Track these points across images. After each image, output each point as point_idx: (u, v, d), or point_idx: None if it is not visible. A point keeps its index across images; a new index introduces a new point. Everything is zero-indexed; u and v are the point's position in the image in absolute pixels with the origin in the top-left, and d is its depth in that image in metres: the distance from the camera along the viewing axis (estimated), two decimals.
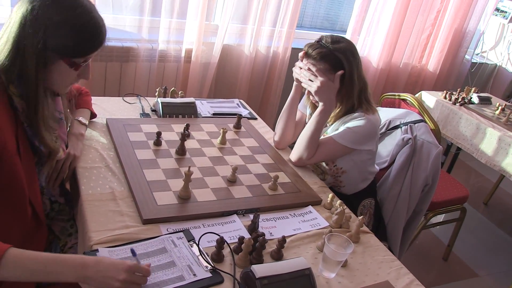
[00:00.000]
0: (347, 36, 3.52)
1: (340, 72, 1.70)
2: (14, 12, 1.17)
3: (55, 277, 1.05)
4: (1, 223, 1.21)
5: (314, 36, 1.77)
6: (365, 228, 1.54)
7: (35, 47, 1.14)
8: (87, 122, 1.68)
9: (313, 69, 1.70)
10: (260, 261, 1.25)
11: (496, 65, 4.62)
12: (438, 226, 3.13)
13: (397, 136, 2.10)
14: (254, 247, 1.24)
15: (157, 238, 1.25)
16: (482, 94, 3.36)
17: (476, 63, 4.45)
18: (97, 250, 1.16)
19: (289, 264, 1.19)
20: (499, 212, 3.75)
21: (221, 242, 1.21)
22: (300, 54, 1.77)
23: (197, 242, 1.25)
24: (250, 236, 1.31)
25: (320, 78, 1.69)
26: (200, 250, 1.22)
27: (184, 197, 1.42)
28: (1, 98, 1.17)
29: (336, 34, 1.76)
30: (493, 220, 3.58)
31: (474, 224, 3.46)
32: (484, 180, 4.21)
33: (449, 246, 2.96)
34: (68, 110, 1.55)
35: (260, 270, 1.12)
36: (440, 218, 3.07)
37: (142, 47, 2.76)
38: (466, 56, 4.26)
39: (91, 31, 1.21)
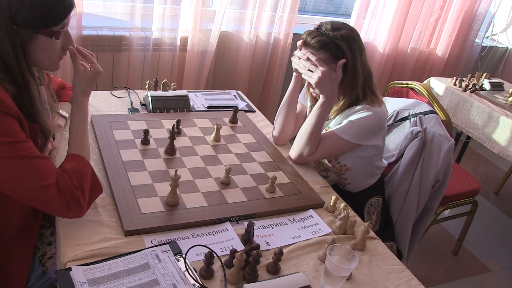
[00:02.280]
0: (352, 20, 3.35)
1: (342, 61, 1.55)
2: None
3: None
4: (6, 203, 1.16)
5: (316, 21, 1.63)
6: (371, 234, 1.40)
7: (4, 30, 1.07)
8: (67, 115, 1.59)
9: (313, 58, 1.56)
10: (254, 276, 1.12)
11: (507, 48, 4.43)
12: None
13: (405, 129, 1.96)
14: (248, 261, 1.12)
15: (139, 252, 1.12)
16: (493, 80, 3.19)
17: (486, 46, 4.27)
18: (70, 269, 1.03)
19: (286, 281, 1.06)
20: (511, 202, 3.60)
21: (210, 257, 1.08)
22: (299, 42, 1.62)
23: (184, 256, 1.12)
24: (243, 248, 1.18)
25: (321, 68, 1.55)
26: (187, 266, 1.10)
27: (172, 203, 1.29)
28: None
29: (337, 20, 1.61)
30: (504, 211, 3.44)
31: (485, 215, 3.32)
32: (495, 168, 4.06)
33: (459, 240, 2.83)
34: (54, 96, 1.49)
35: None
36: (450, 211, 2.93)
37: (135, 36, 2.62)
38: (476, 40, 4.08)
39: None
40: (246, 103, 2.09)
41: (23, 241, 1.28)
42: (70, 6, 1.16)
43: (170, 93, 1.89)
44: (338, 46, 1.55)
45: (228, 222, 1.30)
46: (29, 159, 1.06)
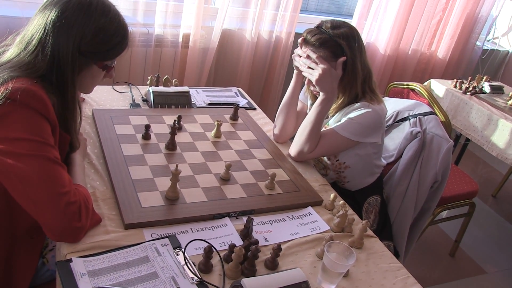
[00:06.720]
0: (354, 20, 3.36)
1: (342, 59, 1.56)
2: (41, 17, 1.12)
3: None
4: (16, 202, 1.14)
5: (319, 20, 1.64)
6: (369, 232, 1.41)
7: (70, 55, 1.12)
8: None
9: (313, 56, 1.57)
10: (252, 271, 1.13)
11: (508, 51, 4.44)
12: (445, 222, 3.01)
13: (405, 129, 1.97)
14: (246, 256, 1.13)
15: (139, 245, 1.13)
16: (494, 83, 3.21)
17: (487, 49, 4.27)
18: (70, 260, 1.04)
19: (283, 277, 1.07)
20: (508, 205, 3.61)
21: (209, 251, 1.09)
22: (299, 40, 1.63)
23: (183, 250, 1.13)
24: (242, 243, 1.19)
25: (321, 66, 1.56)
26: (186, 259, 1.11)
27: (172, 198, 1.30)
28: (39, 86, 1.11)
29: (337, 19, 1.62)
30: (501, 214, 3.45)
31: (482, 217, 3.33)
32: (493, 171, 4.07)
33: (456, 241, 2.84)
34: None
35: (250, 284, 1.01)
36: (447, 212, 2.95)
37: (137, 32, 2.63)
38: (477, 43, 4.09)
39: (123, 34, 1.20)
40: (247, 101, 2.10)
41: (31, 241, 1.27)
42: (126, 46, 1.23)
43: (171, 89, 1.90)
44: (338, 44, 1.56)
45: (227, 217, 1.31)
46: (53, 163, 1.07)
